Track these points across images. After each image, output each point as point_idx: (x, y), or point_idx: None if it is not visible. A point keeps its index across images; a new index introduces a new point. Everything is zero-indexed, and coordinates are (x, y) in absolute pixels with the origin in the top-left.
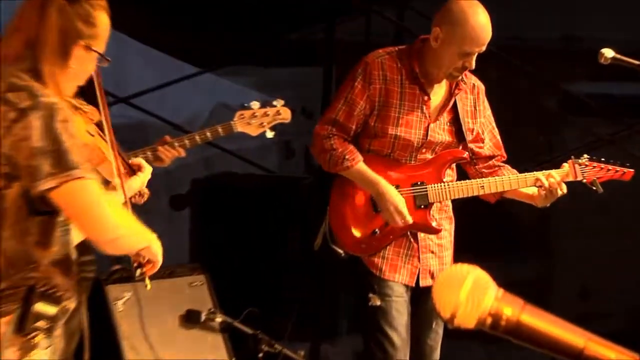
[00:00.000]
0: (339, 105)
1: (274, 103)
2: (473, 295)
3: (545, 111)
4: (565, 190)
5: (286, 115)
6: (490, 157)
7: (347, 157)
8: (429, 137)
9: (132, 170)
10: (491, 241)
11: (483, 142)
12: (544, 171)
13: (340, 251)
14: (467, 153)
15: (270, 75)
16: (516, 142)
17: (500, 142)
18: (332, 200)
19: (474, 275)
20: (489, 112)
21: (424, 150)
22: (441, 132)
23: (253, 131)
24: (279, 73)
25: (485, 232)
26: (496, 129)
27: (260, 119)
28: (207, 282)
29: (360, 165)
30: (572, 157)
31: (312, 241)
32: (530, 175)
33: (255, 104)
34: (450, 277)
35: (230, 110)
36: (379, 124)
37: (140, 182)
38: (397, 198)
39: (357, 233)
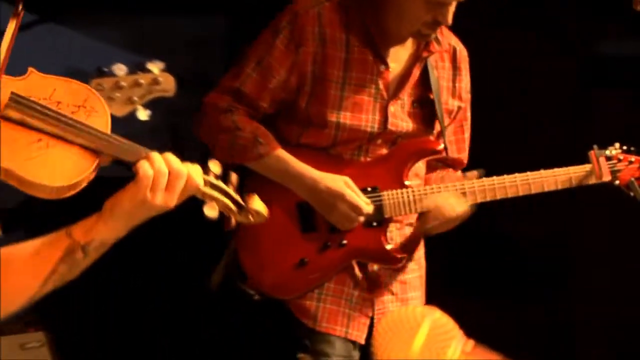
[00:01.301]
0: (247, 69)
1: (149, 67)
2: (430, 348)
3: (561, 83)
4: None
5: (168, 85)
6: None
7: (260, 139)
8: (388, 125)
9: None
10: (489, 273)
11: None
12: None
13: (253, 292)
14: (442, 145)
15: (143, 27)
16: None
17: (467, 144)
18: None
19: (432, 321)
20: (468, 94)
21: (379, 142)
22: (405, 117)
23: (117, 110)
24: (157, 24)
25: (479, 260)
26: (469, 122)
27: (128, 91)
28: (48, 342)
29: (280, 152)
30: (595, 147)
31: (208, 279)
32: (563, 173)
33: (120, 69)
34: (398, 323)
35: (81, 77)
36: (314, 106)
37: None
38: (342, 185)
39: (276, 265)
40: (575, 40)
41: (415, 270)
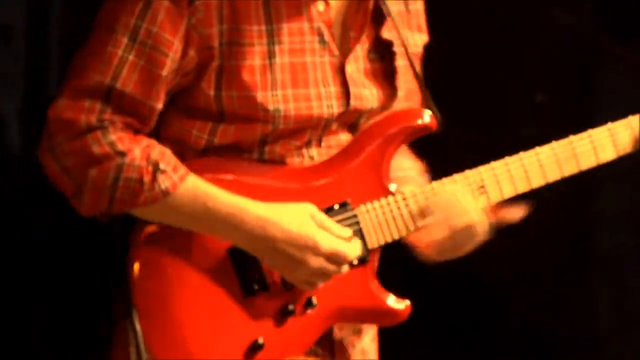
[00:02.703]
0: (115, 51)
1: None
2: None
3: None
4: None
5: None
6: None
7: (161, 165)
8: (351, 101)
9: None
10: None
11: None
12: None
13: None
14: (428, 114)
15: None
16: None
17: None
18: (139, 288)
19: None
20: (424, 36)
21: (334, 128)
22: (365, 81)
23: None
24: None
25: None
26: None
27: None
28: None
29: (195, 181)
30: None
31: None
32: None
33: None
34: None
35: None
36: (229, 90)
37: None
38: (310, 225)
39: (210, 354)
40: None
41: (369, 328)
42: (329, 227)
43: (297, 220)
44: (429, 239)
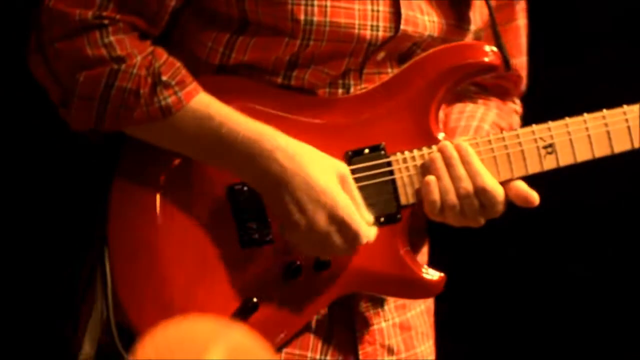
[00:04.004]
0: None
1: None
2: None
3: None
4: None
5: None
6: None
7: (164, 78)
8: (401, 23)
9: None
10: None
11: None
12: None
13: None
14: (493, 51)
15: None
16: None
17: (524, 49)
18: (115, 223)
19: (229, 344)
20: None
21: (380, 58)
22: (425, 7)
23: None
24: None
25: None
26: (524, 9)
27: None
28: None
29: (206, 99)
30: None
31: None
32: None
33: None
34: (174, 349)
35: None
36: None
37: None
38: (335, 185)
39: (191, 308)
40: None
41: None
42: (355, 198)
43: (324, 172)
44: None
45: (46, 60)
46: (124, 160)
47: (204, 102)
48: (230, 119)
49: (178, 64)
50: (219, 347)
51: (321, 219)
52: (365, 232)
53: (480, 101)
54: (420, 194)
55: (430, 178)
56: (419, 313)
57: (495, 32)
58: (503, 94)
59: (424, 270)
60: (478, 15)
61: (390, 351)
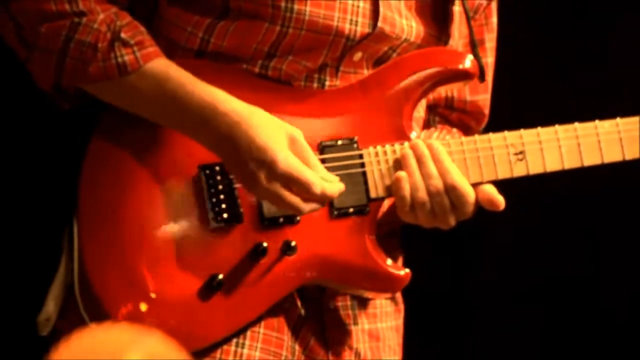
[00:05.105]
0: None
1: None
2: None
3: None
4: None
5: None
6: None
7: (124, 37)
8: (379, 22)
9: None
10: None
11: None
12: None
13: None
14: (470, 59)
15: None
16: None
17: (491, 76)
18: (85, 197)
19: (145, 350)
20: None
21: (357, 58)
22: (404, 11)
23: None
24: None
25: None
26: (494, 34)
27: None
28: None
29: (163, 64)
30: None
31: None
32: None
33: None
34: (86, 351)
35: None
36: None
37: None
38: (280, 137)
39: (164, 289)
40: None
41: (390, 312)
42: (307, 158)
43: (270, 132)
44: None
45: (11, 16)
46: (99, 128)
47: (162, 65)
48: (186, 82)
49: (142, 28)
50: (135, 354)
51: (262, 178)
52: (319, 183)
53: (444, 130)
54: (391, 190)
55: (401, 174)
56: (390, 327)
57: (472, 41)
58: (465, 131)
59: (389, 263)
60: (457, 32)
61: (357, 355)
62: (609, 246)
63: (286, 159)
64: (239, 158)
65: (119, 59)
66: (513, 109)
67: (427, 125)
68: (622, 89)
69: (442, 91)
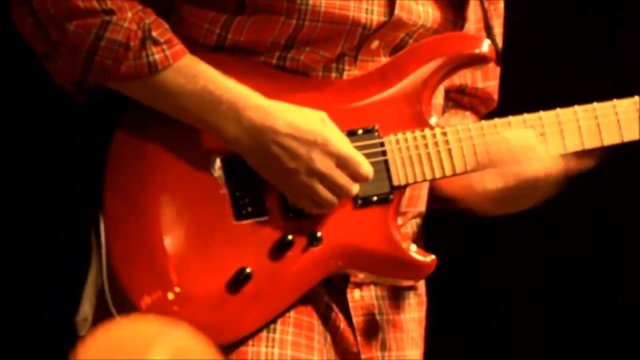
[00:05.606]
0: None
1: None
2: None
3: None
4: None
5: None
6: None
7: (154, 34)
8: (395, 10)
9: None
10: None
11: None
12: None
13: None
14: (487, 43)
15: None
16: None
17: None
18: (111, 195)
19: (172, 344)
20: None
21: (374, 46)
22: (424, 0)
23: None
24: None
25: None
26: (502, 19)
27: None
28: None
29: (191, 61)
30: None
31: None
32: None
33: None
34: (113, 345)
35: None
36: None
37: None
38: (319, 125)
39: (191, 285)
40: None
41: (414, 304)
42: (344, 140)
43: (305, 116)
44: (482, 188)
45: (33, 13)
46: (122, 126)
47: (190, 63)
48: (214, 80)
49: (167, 25)
50: (162, 347)
51: (318, 157)
52: (365, 162)
53: (459, 115)
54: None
55: None
56: (413, 319)
57: (487, 25)
58: (474, 114)
59: (413, 249)
60: (472, 15)
61: (383, 344)
62: (626, 233)
63: (338, 138)
64: (279, 147)
65: (150, 58)
66: (520, 105)
67: (441, 110)
68: (630, 85)
69: (456, 79)
